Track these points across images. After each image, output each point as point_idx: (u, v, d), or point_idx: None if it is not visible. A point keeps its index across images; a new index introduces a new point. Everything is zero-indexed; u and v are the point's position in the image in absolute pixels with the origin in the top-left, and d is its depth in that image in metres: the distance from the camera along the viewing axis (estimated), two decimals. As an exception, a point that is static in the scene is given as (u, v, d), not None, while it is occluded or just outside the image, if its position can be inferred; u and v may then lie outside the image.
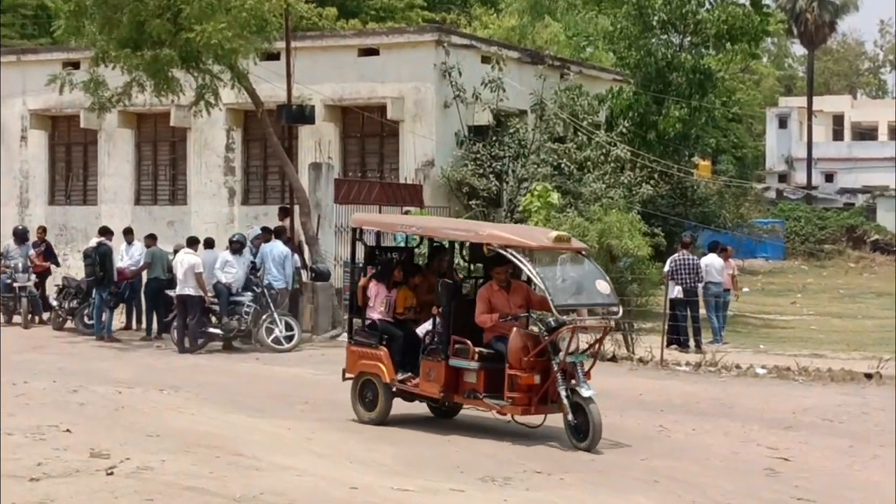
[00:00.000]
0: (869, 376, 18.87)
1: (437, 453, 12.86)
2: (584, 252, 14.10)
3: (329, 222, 25.89)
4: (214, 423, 14.24)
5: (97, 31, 23.04)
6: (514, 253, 13.33)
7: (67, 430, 13.17)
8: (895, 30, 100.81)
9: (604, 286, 13.62)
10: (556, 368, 13.11)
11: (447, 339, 13.77)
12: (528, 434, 13.69)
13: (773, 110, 77.82)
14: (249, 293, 22.32)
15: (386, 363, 14.31)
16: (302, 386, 17.80)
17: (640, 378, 19.07)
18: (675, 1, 33.17)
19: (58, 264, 27.82)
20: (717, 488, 11.47)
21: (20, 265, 25.96)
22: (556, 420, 13.48)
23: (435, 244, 15.50)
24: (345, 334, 23.57)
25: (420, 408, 14.87)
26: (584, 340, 14.28)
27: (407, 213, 25.35)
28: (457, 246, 15.13)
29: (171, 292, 22.70)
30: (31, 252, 26.69)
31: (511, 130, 28.95)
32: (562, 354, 13.09)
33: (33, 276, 26.28)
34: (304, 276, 24.60)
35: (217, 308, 22.27)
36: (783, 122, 75.95)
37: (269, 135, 25.30)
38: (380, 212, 26.70)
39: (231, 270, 22.32)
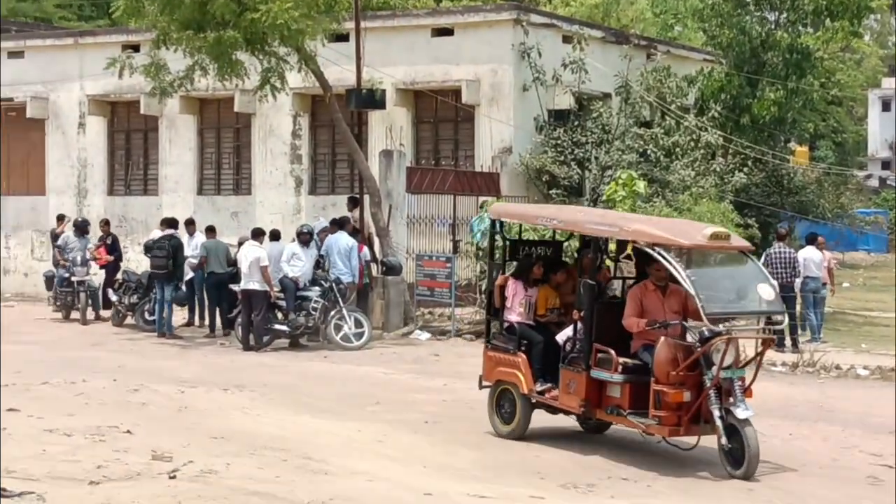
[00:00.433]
0: (980, 378, 18.65)
1: (518, 458, 12.86)
2: (745, 251, 13.08)
3: (401, 213, 25.93)
4: (281, 424, 14.32)
5: (158, 12, 23.20)
6: (663, 252, 12.48)
7: (128, 431, 13.30)
8: None
9: (767, 291, 12.67)
10: (708, 384, 12.19)
11: (588, 347, 12.97)
12: (620, 438, 13.60)
13: (876, 92, 76.96)
14: (317, 288, 22.32)
15: (524, 371, 13.67)
16: (373, 386, 17.84)
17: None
18: (770, -25, 32.87)
19: (121, 259, 28.10)
20: (816, 497, 11.39)
21: (79, 258, 26.28)
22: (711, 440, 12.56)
23: (586, 238, 14.15)
24: (417, 331, 23.95)
25: (566, 421, 14.15)
26: (748, 349, 13.51)
27: (483, 203, 25.35)
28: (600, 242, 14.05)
29: (235, 287, 22.80)
30: (90, 245, 27.01)
31: (594, 115, 28.81)
32: (715, 369, 12.19)
33: (92, 270, 26.63)
34: (375, 269, 24.68)
35: (283, 303, 22.33)
36: (886, 105, 75.13)
37: (337, 120, 25.39)
38: (454, 201, 26.81)
39: (298, 263, 22.34)
